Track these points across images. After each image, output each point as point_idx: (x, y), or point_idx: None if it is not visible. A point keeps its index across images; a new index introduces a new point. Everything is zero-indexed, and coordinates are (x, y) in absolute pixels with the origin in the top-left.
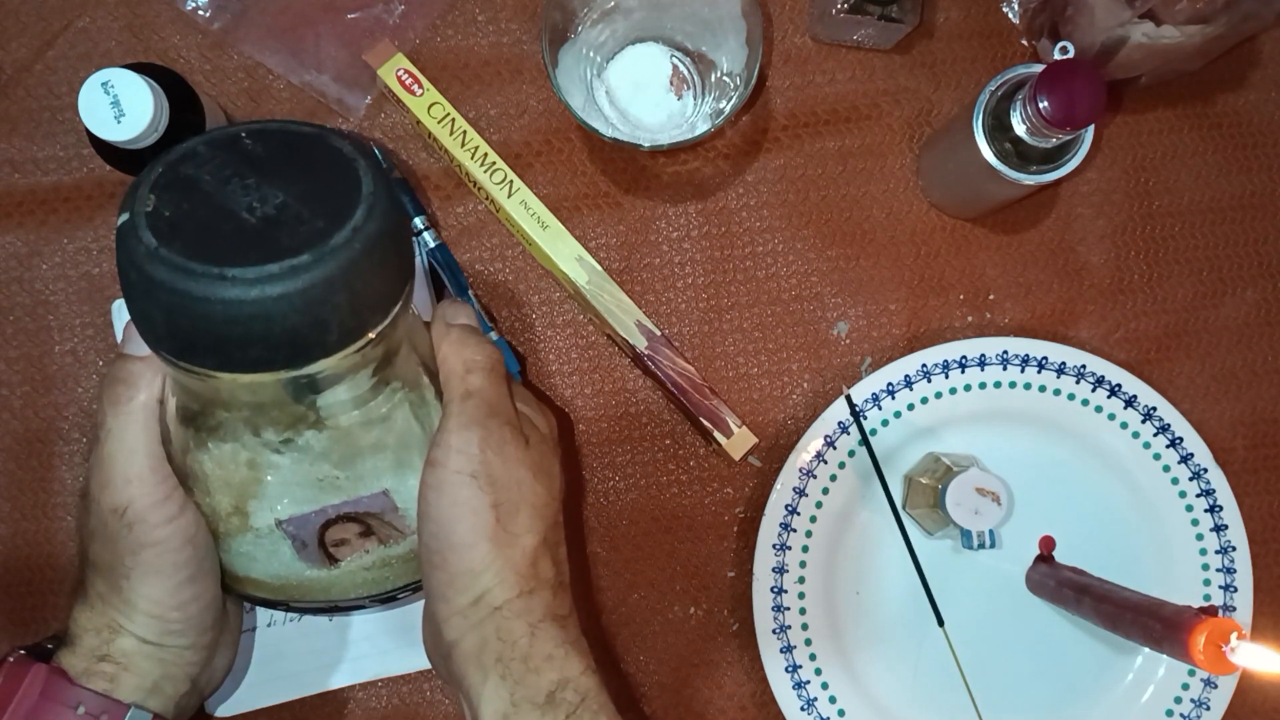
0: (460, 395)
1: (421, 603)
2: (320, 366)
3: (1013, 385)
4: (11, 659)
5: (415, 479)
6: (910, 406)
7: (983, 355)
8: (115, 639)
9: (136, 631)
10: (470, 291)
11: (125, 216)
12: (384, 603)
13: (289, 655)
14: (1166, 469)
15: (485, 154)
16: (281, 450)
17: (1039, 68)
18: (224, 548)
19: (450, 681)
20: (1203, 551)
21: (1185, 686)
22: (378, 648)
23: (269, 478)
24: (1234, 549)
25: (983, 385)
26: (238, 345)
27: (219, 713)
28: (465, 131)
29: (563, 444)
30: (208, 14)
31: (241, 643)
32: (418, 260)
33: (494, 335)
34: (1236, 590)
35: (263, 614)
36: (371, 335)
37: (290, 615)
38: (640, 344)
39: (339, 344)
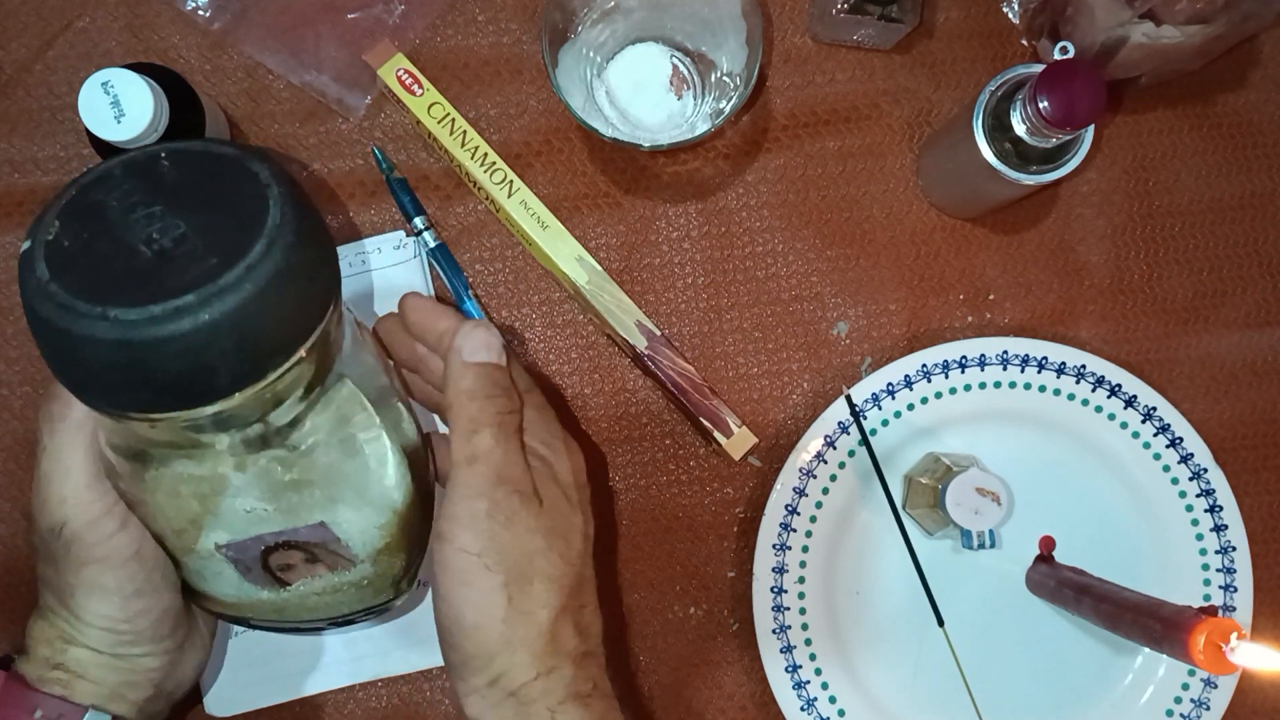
0: (465, 460)
1: (423, 603)
2: (213, 410)
3: (1013, 385)
4: None
5: (352, 513)
6: (910, 406)
7: (983, 355)
8: (68, 649)
9: (89, 644)
10: (470, 291)
11: (27, 244)
12: (342, 626)
13: (289, 655)
14: (1166, 469)
15: (485, 154)
16: (206, 483)
17: (1039, 68)
18: (177, 563)
19: None
20: (1203, 551)
21: (1185, 686)
22: (378, 648)
23: (198, 506)
24: (1234, 549)
25: (983, 385)
26: (124, 387)
27: (219, 713)
28: (465, 131)
29: (594, 481)
30: (208, 14)
31: (241, 643)
32: (419, 262)
33: None
34: (1236, 590)
35: None
36: (271, 378)
37: None
38: (640, 344)
39: (230, 389)
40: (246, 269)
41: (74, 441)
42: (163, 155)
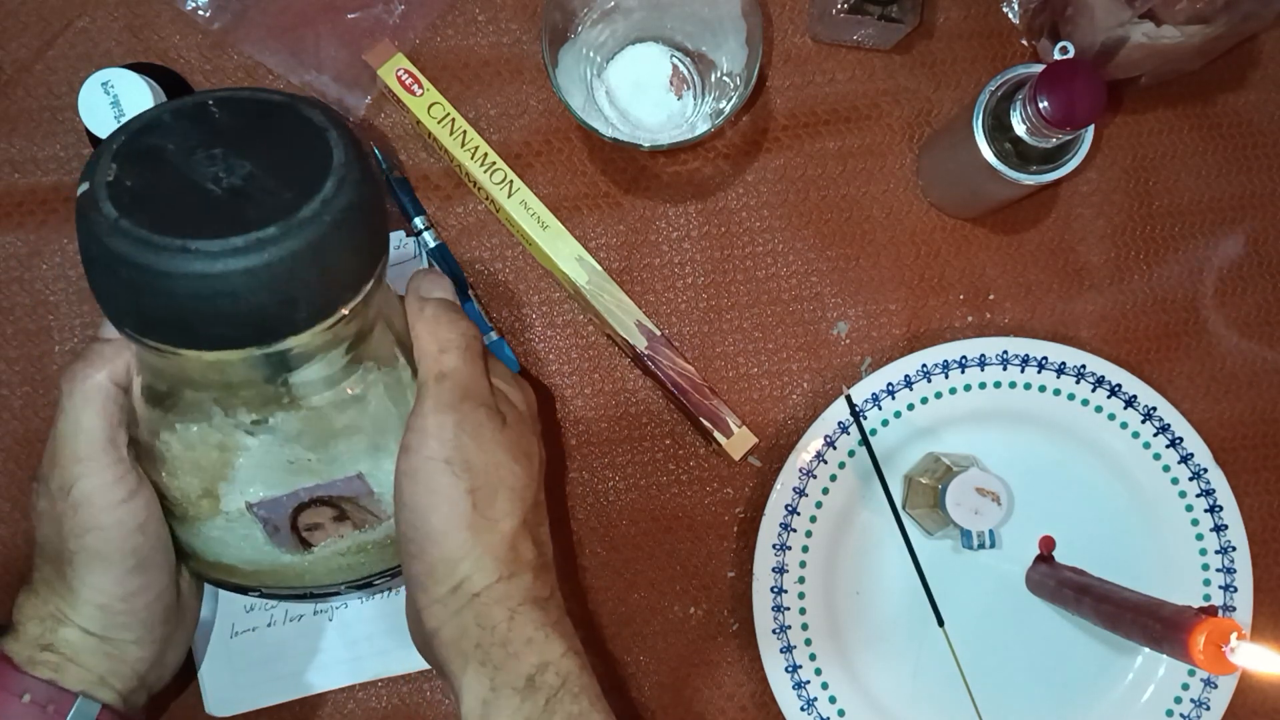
0: (434, 377)
1: None
2: (289, 344)
3: (1013, 385)
4: None
5: (391, 462)
6: (910, 406)
7: (983, 355)
8: (59, 628)
9: (80, 622)
10: (470, 291)
11: (85, 186)
12: (360, 589)
13: (289, 655)
14: (1166, 469)
15: (485, 154)
16: (252, 431)
17: (1039, 68)
18: (194, 532)
19: (435, 668)
20: (1203, 551)
21: (1185, 686)
22: (378, 648)
23: (239, 459)
24: (1234, 549)
25: (983, 385)
26: (202, 322)
27: (219, 713)
28: (465, 131)
29: (544, 420)
30: (208, 14)
31: (241, 643)
32: (419, 262)
33: (493, 335)
34: (1236, 590)
35: (263, 614)
36: (344, 313)
37: (290, 615)
38: (640, 344)
39: (308, 321)
40: (323, 203)
41: (95, 403)
42: (210, 102)
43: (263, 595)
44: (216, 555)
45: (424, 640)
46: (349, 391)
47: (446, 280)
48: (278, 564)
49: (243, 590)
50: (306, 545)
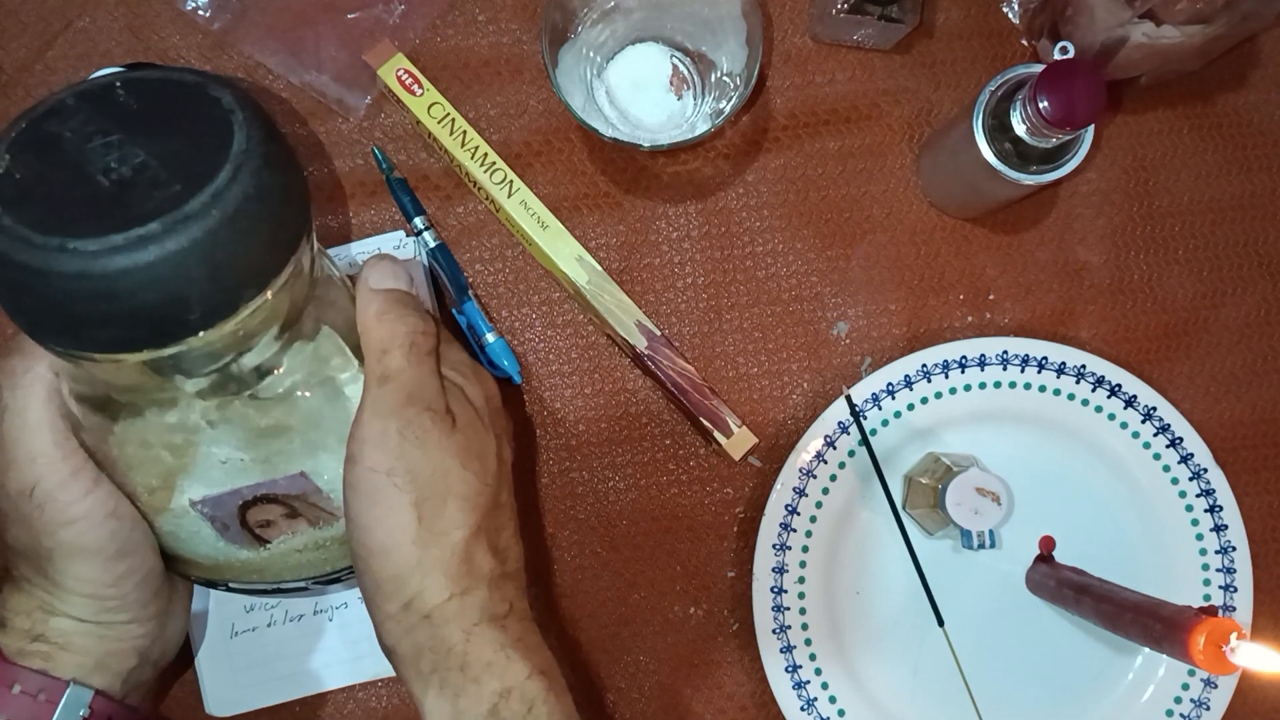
0: (376, 379)
1: None
2: (186, 346)
3: (1013, 385)
4: None
5: (334, 460)
6: (910, 406)
7: (983, 355)
8: (49, 619)
9: (71, 612)
10: (470, 291)
11: None
12: (327, 584)
13: (289, 655)
14: (1166, 469)
15: (485, 154)
16: (179, 431)
17: (1039, 68)
18: (151, 525)
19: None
20: (1203, 551)
21: (1185, 686)
22: (378, 648)
23: (171, 459)
24: (1234, 549)
25: (983, 385)
26: (85, 324)
27: (219, 713)
28: (465, 131)
29: (539, 418)
30: (208, 14)
31: (241, 643)
32: (419, 262)
33: (492, 336)
34: (1236, 590)
35: (263, 614)
36: (247, 311)
37: (290, 615)
38: (640, 344)
39: (203, 322)
40: (213, 195)
41: (39, 398)
42: (118, 84)
43: (230, 589)
44: (174, 549)
45: (385, 654)
46: (270, 390)
47: (399, 267)
48: (234, 560)
49: (211, 584)
50: (262, 541)
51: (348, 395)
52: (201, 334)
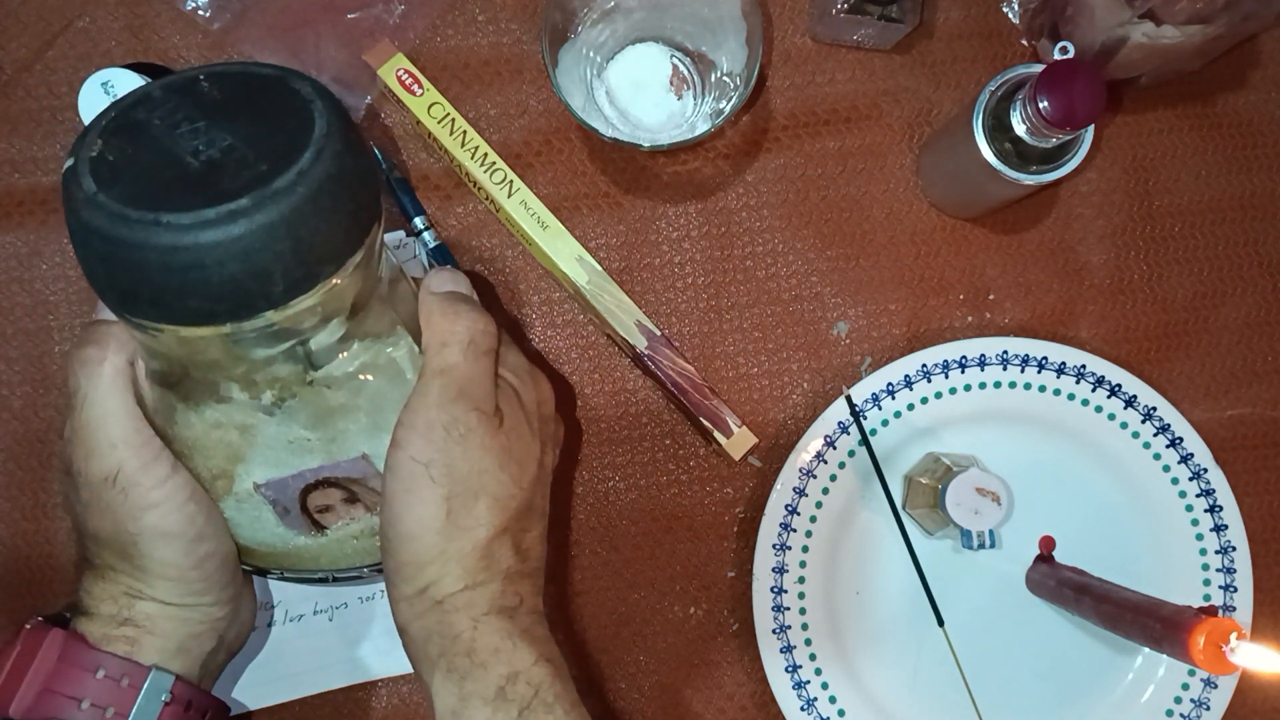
0: (432, 372)
1: None
2: (267, 320)
3: (1013, 385)
4: (29, 625)
5: None
6: (910, 406)
7: (983, 355)
8: (135, 603)
9: (157, 596)
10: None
11: (70, 162)
12: (379, 571)
13: (289, 655)
14: (1166, 469)
15: (485, 154)
16: (250, 411)
17: (1039, 68)
18: None
19: (411, 664)
20: (1203, 551)
21: (1185, 686)
22: (378, 648)
23: (240, 440)
24: (1234, 549)
25: (983, 385)
26: (176, 295)
27: None
28: (465, 131)
29: (566, 419)
30: (208, 14)
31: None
32: (419, 262)
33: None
34: (1236, 590)
35: (263, 614)
36: (324, 286)
37: (290, 615)
38: (640, 344)
39: (285, 295)
40: (298, 174)
41: (116, 386)
42: (201, 77)
43: (283, 578)
44: (233, 536)
45: (398, 632)
46: (343, 369)
47: (462, 277)
48: (291, 547)
49: (262, 573)
50: (320, 527)
51: (410, 380)
52: (282, 307)
